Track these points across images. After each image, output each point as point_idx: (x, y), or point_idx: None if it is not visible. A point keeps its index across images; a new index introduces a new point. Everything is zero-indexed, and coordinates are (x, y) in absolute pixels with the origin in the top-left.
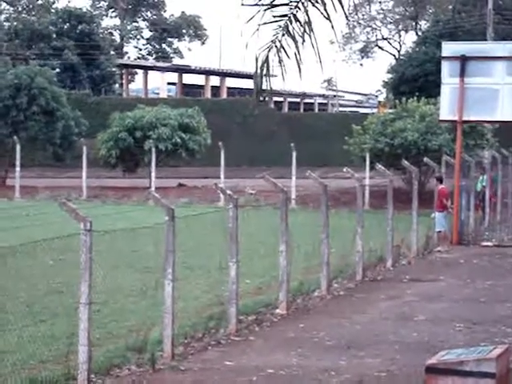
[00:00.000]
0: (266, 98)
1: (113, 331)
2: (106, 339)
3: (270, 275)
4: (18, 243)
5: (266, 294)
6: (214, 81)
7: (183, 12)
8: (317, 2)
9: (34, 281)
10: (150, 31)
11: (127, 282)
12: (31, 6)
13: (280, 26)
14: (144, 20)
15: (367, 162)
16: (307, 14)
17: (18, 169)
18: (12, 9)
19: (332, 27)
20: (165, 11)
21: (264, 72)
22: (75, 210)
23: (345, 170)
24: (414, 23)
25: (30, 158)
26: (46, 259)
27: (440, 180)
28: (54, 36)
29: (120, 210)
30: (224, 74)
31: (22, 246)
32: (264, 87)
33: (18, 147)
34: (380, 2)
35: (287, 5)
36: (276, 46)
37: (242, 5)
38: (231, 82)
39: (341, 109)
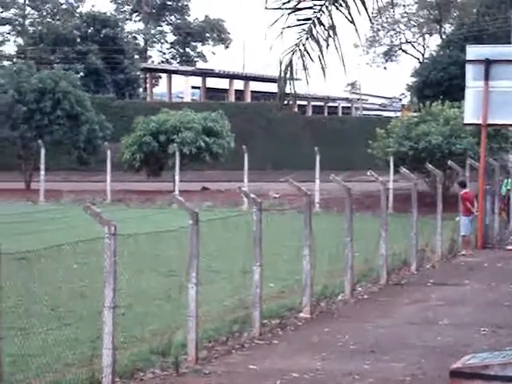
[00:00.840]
0: (290, 102)
1: (137, 335)
2: (131, 343)
3: (294, 279)
4: (42, 247)
5: (290, 298)
6: (238, 84)
7: (207, 16)
8: (341, 6)
9: (59, 284)
10: (174, 35)
11: (151, 285)
12: (56, 11)
13: (304, 30)
14: (168, 24)
15: (391, 166)
16: (331, 18)
17: (42, 172)
18: (37, 13)
19: (356, 30)
20: (189, 15)
21: (288, 76)
22: (99, 214)
23: (369, 173)
24: (438, 26)
25: (54, 161)
26: (70, 263)
27: (463, 185)
28: (79, 40)
29: (144, 213)
30: (248, 78)
31: (46, 249)
32: (288, 91)
33: (42, 151)
34: (404, 6)
35: (311, 8)
36: (300, 50)
37: (266, 8)
38: (255, 86)
39: (364, 112)
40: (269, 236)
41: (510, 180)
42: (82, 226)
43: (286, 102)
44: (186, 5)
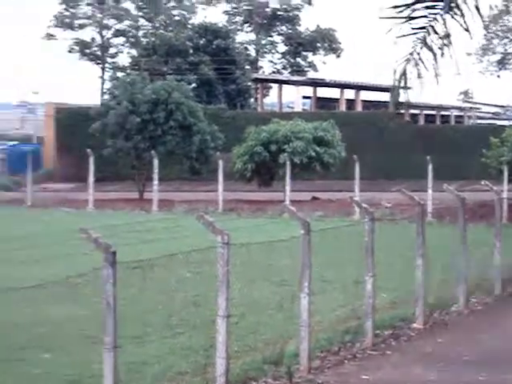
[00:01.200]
0: (403, 111)
1: (250, 344)
2: (243, 352)
3: (407, 289)
4: (155, 256)
5: (403, 308)
6: (349, 94)
7: (318, 26)
8: (456, 14)
9: (172, 293)
10: (285, 45)
11: (263, 295)
12: (168, 22)
13: (418, 39)
14: (279, 34)
15: (505, 175)
16: (446, 26)
17: (155, 182)
18: (150, 25)
19: (471, 38)
20: (300, 25)
21: (401, 84)
22: (212, 224)
23: (483, 182)
24: None
25: (167, 171)
26: (182, 272)
27: None
28: (191, 51)
29: (255, 223)
30: (359, 87)
31: (159, 258)
32: (401, 100)
33: (155, 161)
34: None
35: (425, 17)
36: (414, 59)
37: (380, 18)
38: (366, 95)
39: (478, 121)
40: (381, 246)
41: None
42: (193, 236)
43: (398, 111)
44: (297, 15)
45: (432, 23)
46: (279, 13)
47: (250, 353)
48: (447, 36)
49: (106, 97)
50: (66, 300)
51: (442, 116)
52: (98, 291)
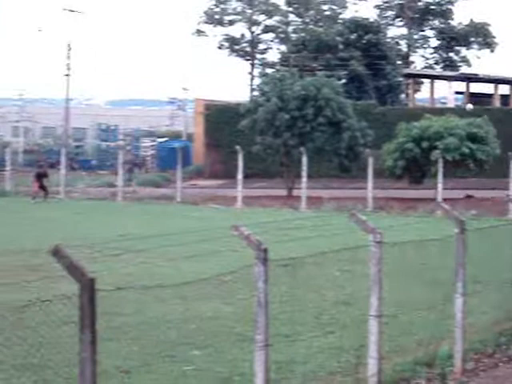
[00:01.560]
0: None
1: (401, 344)
2: (394, 352)
3: None
4: (305, 254)
5: None
6: (504, 89)
7: (471, 20)
8: None
9: (322, 292)
10: (438, 40)
11: (415, 294)
12: (319, 17)
13: None
14: (431, 29)
15: None
16: None
17: (304, 179)
18: (300, 20)
19: None
20: (452, 19)
21: None
22: (365, 222)
23: None
24: None
25: (315, 168)
26: (332, 270)
27: None
28: (341, 47)
29: (406, 221)
30: None
31: (309, 257)
32: None
33: (304, 158)
34: None
35: None
36: None
37: None
38: None
39: None
40: None
41: None
42: (343, 234)
43: None
44: (450, 9)
45: None
46: (432, 7)
47: (402, 353)
48: None
49: (255, 93)
50: (215, 297)
51: None
52: (246, 289)
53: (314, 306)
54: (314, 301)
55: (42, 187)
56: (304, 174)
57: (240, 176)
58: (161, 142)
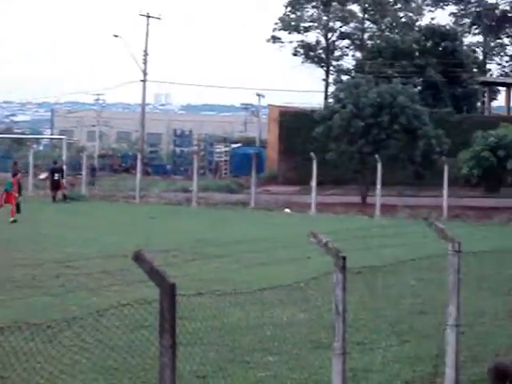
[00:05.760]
0: None
1: (478, 355)
2: (471, 362)
3: None
4: (380, 262)
5: None
6: None
7: None
8: None
9: (398, 300)
10: None
11: (493, 304)
12: (395, 24)
13: None
14: (508, 37)
15: None
16: None
17: (378, 187)
18: (376, 27)
19: None
20: None
21: None
22: (444, 230)
23: None
24: None
25: (390, 176)
26: (408, 279)
27: None
28: (417, 54)
29: (482, 230)
30: None
31: (385, 265)
32: None
33: (379, 165)
34: None
35: None
36: None
37: None
38: None
39: None
40: None
41: None
42: (418, 242)
43: None
44: None
45: None
46: (509, 14)
47: (479, 364)
48: None
49: (330, 100)
50: (291, 303)
51: None
52: (320, 296)
53: (390, 314)
54: (390, 309)
55: (57, 186)
56: (378, 181)
57: (314, 182)
58: (234, 148)
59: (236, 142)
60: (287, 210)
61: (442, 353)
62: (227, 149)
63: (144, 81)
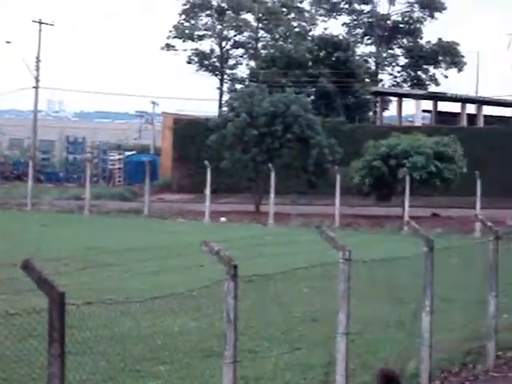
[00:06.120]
0: None
1: (367, 362)
2: (361, 370)
3: None
4: (272, 271)
5: None
6: (471, 109)
7: (440, 39)
8: None
9: (289, 308)
10: (406, 58)
11: (382, 312)
12: (288, 34)
13: None
14: (400, 47)
15: None
16: None
17: (272, 195)
18: (269, 36)
19: None
20: (421, 38)
21: None
22: (334, 239)
23: None
24: None
25: (283, 185)
26: (300, 287)
27: None
28: (310, 63)
29: (373, 238)
30: (481, 102)
31: (277, 273)
32: None
33: (272, 174)
34: None
35: None
36: None
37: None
38: (489, 110)
39: None
40: (505, 265)
41: None
42: (310, 250)
43: None
44: (419, 27)
45: None
46: (400, 25)
47: (369, 371)
48: None
49: (224, 108)
50: (181, 312)
51: None
52: (213, 304)
53: (281, 322)
54: (281, 317)
55: None
56: (272, 189)
57: (208, 191)
58: (128, 156)
59: (130, 150)
60: (181, 220)
61: (333, 360)
62: (121, 156)
63: (36, 87)
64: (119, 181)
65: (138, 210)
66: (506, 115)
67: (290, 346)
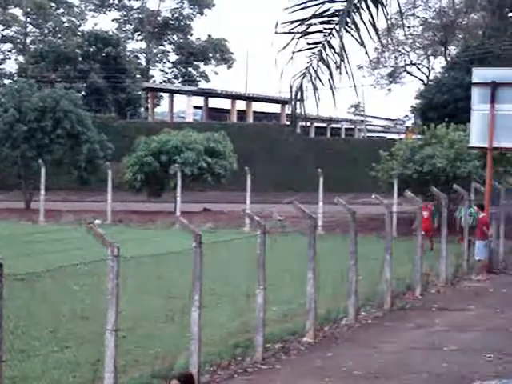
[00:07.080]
0: (305, 123)
1: (138, 358)
2: (132, 366)
3: (297, 303)
4: (42, 269)
5: (293, 322)
6: (240, 105)
7: (210, 36)
8: (351, 28)
9: (59, 306)
10: (177, 55)
11: (153, 308)
12: (57, 29)
13: (314, 53)
14: (170, 43)
15: (395, 189)
16: (342, 41)
17: (42, 192)
18: (38, 31)
19: (366, 52)
20: (191, 35)
21: (298, 98)
22: (103, 236)
23: (373, 196)
24: (443, 48)
25: (54, 181)
26: (69, 284)
27: (482, 208)
28: (80, 59)
29: (145, 234)
30: (250, 99)
31: (46, 271)
32: (298, 113)
33: (42, 170)
34: (409, 27)
35: (321, 32)
36: (310, 73)
37: (276, 33)
38: (257, 107)
39: (368, 134)
40: (272, 259)
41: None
42: (81, 247)
43: (295, 125)
44: (189, 24)
45: (328, 38)
46: (171, 22)
47: (140, 367)
48: (342, 50)
49: None
50: None
51: (333, 129)
52: None
53: (51, 320)
54: (51, 316)
55: None
56: (42, 186)
57: None
58: None
59: None
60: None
61: (103, 357)
62: None
63: None
64: None
65: None
66: (275, 111)
67: (59, 345)
